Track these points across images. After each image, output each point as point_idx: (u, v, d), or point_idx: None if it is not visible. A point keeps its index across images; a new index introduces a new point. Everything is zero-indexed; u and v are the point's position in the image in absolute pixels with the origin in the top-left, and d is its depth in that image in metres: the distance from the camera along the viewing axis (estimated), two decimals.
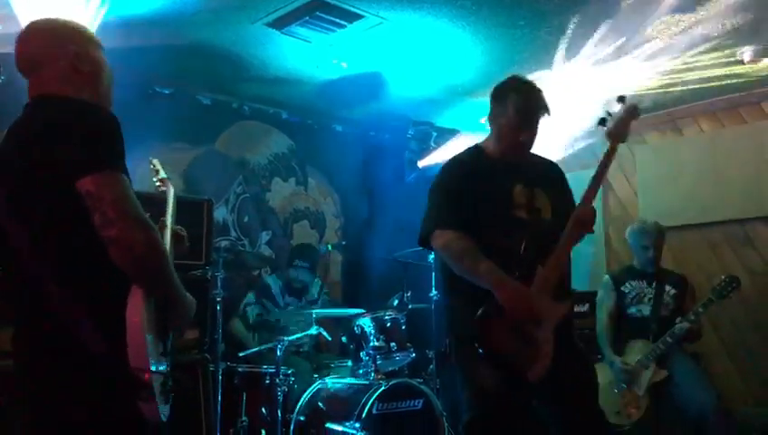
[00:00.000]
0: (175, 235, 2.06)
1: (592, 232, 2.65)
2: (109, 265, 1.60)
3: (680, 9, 3.81)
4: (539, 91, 2.69)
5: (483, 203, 2.59)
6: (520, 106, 2.64)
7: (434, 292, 4.68)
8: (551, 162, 2.88)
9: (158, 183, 2.36)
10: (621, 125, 2.68)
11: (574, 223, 2.57)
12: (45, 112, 1.74)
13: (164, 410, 1.69)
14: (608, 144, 2.70)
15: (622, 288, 4.38)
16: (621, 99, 2.71)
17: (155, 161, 2.46)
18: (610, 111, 2.71)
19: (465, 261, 2.52)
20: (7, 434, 2.85)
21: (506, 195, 2.63)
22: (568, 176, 2.86)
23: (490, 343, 2.45)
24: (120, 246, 1.59)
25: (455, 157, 2.82)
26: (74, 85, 1.80)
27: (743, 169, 5.06)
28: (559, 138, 5.24)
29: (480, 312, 2.45)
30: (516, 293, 2.45)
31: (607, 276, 4.54)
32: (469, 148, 2.83)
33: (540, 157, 2.85)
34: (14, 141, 1.73)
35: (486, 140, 2.80)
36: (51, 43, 1.84)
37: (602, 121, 2.72)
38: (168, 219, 2.08)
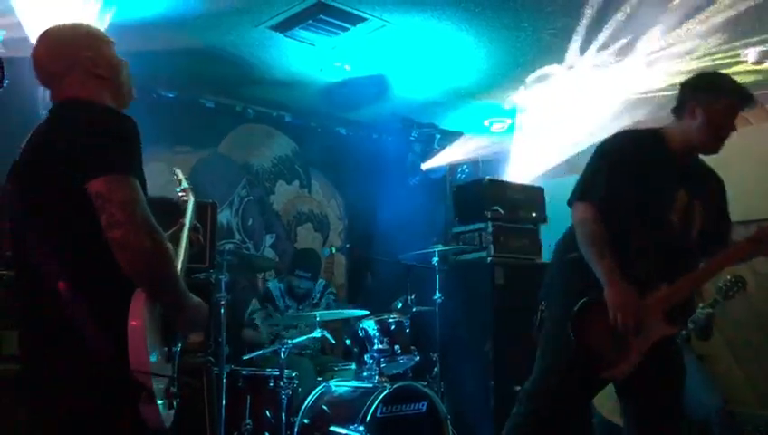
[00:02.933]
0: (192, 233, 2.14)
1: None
2: (117, 268, 1.61)
3: (684, 11, 3.81)
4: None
5: (645, 192, 2.51)
6: (736, 103, 2.55)
7: (438, 294, 4.66)
8: (714, 172, 2.73)
9: (180, 193, 2.41)
10: None
11: (753, 238, 2.51)
12: (66, 116, 1.78)
13: (168, 416, 1.69)
14: None
15: None
16: None
17: (178, 171, 2.53)
18: None
19: (593, 248, 2.46)
20: (12, 432, 2.86)
21: (670, 194, 2.55)
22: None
23: (583, 335, 2.44)
24: (126, 250, 1.60)
25: (636, 133, 2.69)
26: (95, 89, 1.85)
27: (747, 170, 5.02)
28: (562, 140, 5.22)
29: (583, 301, 2.43)
30: (625, 300, 2.40)
31: None
32: (651, 130, 2.67)
33: (706, 166, 2.72)
34: (35, 143, 1.77)
35: (672, 128, 2.63)
36: (65, 53, 1.86)
37: None
38: (186, 227, 2.14)
